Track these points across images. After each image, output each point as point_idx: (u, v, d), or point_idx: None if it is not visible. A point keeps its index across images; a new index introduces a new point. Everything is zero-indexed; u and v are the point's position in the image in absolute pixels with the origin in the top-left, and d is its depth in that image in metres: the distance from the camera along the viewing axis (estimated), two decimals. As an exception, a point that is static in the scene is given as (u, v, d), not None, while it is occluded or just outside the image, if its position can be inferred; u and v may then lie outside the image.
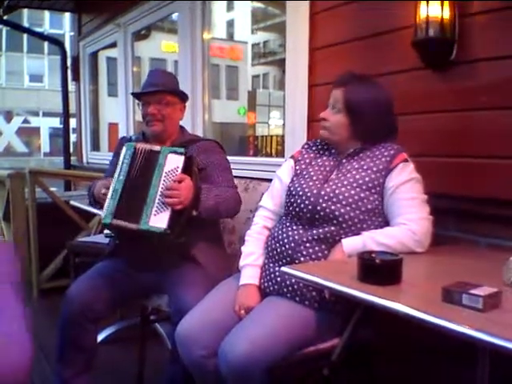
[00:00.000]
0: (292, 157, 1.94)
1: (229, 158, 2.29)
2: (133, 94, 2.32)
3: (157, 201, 1.89)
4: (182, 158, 1.94)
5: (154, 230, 1.86)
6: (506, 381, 1.47)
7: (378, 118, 1.75)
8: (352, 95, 1.75)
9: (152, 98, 2.17)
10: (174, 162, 1.94)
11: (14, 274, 1.71)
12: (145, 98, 2.19)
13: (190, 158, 1.98)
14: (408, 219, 1.62)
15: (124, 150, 1.99)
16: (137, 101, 2.27)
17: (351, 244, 1.60)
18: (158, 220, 1.87)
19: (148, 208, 1.89)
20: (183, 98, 2.27)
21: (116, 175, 1.95)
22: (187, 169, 1.94)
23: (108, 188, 1.96)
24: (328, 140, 1.83)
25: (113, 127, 5.30)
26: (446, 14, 1.85)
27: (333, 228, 1.66)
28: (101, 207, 2.05)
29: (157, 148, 1.98)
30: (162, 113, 2.17)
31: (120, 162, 1.97)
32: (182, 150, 1.97)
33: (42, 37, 7.44)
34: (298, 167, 1.87)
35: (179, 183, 1.88)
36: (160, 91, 2.16)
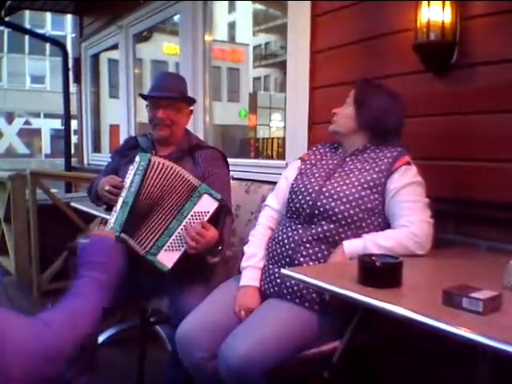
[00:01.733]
0: (300, 158, 1.97)
1: (230, 160, 2.29)
2: (142, 95, 2.24)
3: (174, 236, 1.83)
4: (215, 205, 1.86)
5: (158, 265, 1.82)
6: (506, 382, 1.47)
7: (383, 113, 1.79)
8: (362, 89, 1.83)
9: (163, 102, 2.13)
10: (206, 205, 1.86)
11: None
12: (155, 100, 2.16)
13: (223, 207, 1.90)
14: (409, 221, 1.62)
15: (137, 159, 1.90)
16: (145, 102, 2.23)
17: (352, 246, 1.61)
18: (167, 257, 1.82)
19: (163, 240, 1.83)
20: (191, 102, 2.26)
21: (127, 185, 1.87)
22: (216, 216, 1.87)
23: (113, 186, 1.92)
24: (336, 133, 1.85)
25: (114, 129, 5.31)
26: (447, 18, 1.85)
27: (332, 226, 1.67)
28: (103, 204, 2.03)
29: (194, 182, 1.89)
30: (171, 118, 2.14)
31: (132, 172, 1.88)
32: (219, 196, 1.87)
33: (44, 38, 7.47)
34: (303, 167, 1.90)
35: (205, 230, 1.81)
36: (172, 97, 2.13)
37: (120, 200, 1.86)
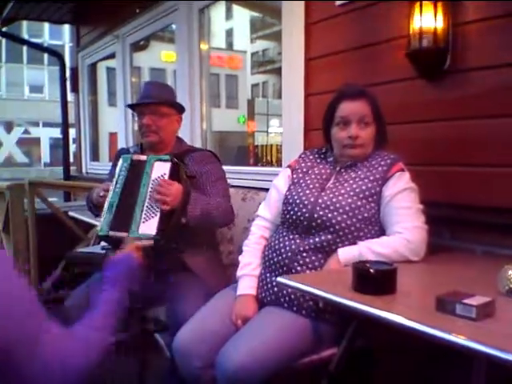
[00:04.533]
0: (289, 166, 1.95)
1: (225, 167, 2.30)
2: (129, 105, 2.37)
3: (145, 208, 1.92)
4: (168, 165, 1.97)
5: (144, 237, 1.87)
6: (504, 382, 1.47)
7: (384, 123, 1.81)
8: (376, 105, 1.78)
9: (147, 109, 2.19)
10: (160, 169, 1.97)
11: None
12: (140, 109, 2.23)
13: (177, 165, 2.00)
14: (403, 228, 1.63)
15: (120, 162, 2.02)
16: (132, 112, 2.30)
17: (347, 253, 1.61)
18: (147, 227, 1.90)
19: (137, 216, 1.92)
20: (180, 109, 2.29)
21: (112, 187, 1.98)
22: (174, 175, 1.97)
23: (106, 191, 2.00)
24: (360, 157, 1.78)
25: (113, 137, 5.32)
26: (439, 24, 1.86)
27: (329, 236, 1.67)
28: (100, 210, 2.06)
29: (143, 157, 2.01)
30: (157, 124, 2.19)
31: (116, 175, 2.00)
32: (168, 157, 1.99)
33: (41, 48, 7.49)
34: (295, 176, 1.88)
35: (168, 185, 1.91)
36: (154, 103, 2.19)
37: (106, 202, 1.97)
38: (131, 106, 2.33)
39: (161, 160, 1.98)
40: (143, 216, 1.91)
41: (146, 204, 1.92)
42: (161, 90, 2.28)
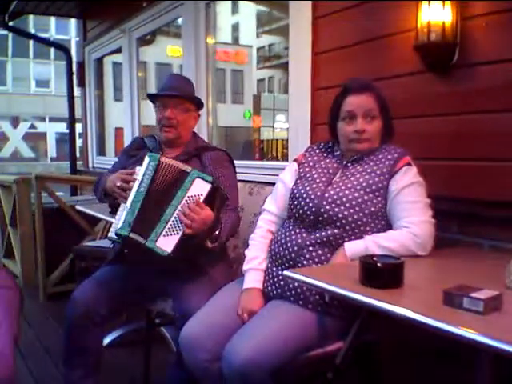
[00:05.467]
0: (295, 160, 1.95)
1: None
2: (152, 95, 2.25)
3: (170, 222, 1.86)
4: (207, 187, 1.88)
5: (158, 251, 1.85)
6: (509, 382, 1.47)
7: (391, 117, 1.80)
8: (382, 98, 1.77)
9: (171, 102, 2.15)
10: (198, 188, 1.88)
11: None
12: (163, 100, 2.17)
13: (216, 189, 1.92)
14: (410, 222, 1.62)
15: (147, 160, 1.93)
16: (148, 105, 2.24)
17: (353, 247, 1.61)
18: (166, 242, 1.85)
19: (160, 227, 1.86)
20: (199, 106, 2.27)
21: (136, 185, 1.90)
22: (210, 199, 1.89)
23: (124, 181, 1.94)
24: (367, 151, 1.77)
25: (119, 131, 5.33)
26: (448, 18, 1.85)
27: (336, 231, 1.67)
28: (112, 200, 2.04)
29: (186, 168, 1.92)
30: (178, 118, 2.16)
31: (141, 173, 1.91)
32: (211, 178, 1.90)
33: (47, 42, 7.48)
34: (301, 170, 1.88)
35: (200, 208, 1.85)
36: (180, 96, 2.15)
37: (129, 200, 1.89)
38: (153, 96, 2.24)
39: (203, 179, 1.90)
40: (166, 229, 1.86)
41: (173, 218, 1.86)
42: (185, 84, 2.24)
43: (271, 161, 9.08)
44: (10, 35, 26.69)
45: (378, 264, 1.27)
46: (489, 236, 1.81)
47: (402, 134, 1.87)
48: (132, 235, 1.86)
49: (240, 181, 2.29)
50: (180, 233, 1.86)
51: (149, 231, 1.87)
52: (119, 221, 1.89)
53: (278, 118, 20.65)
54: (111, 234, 1.94)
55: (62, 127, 27.68)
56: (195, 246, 1.91)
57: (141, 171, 1.92)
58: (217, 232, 1.94)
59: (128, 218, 1.87)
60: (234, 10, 25.29)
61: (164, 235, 1.86)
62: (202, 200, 1.87)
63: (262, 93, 24.40)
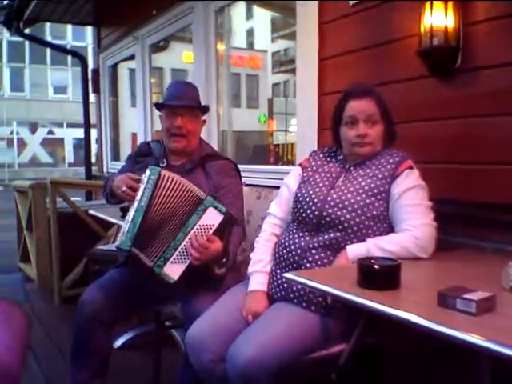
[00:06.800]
0: (300, 164, 1.98)
1: (240, 166, 2.32)
2: (160, 104, 2.22)
3: (179, 249, 1.88)
4: (220, 218, 1.90)
5: (164, 277, 1.88)
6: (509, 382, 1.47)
7: (392, 121, 1.82)
8: (383, 103, 1.79)
9: (180, 111, 2.13)
10: (211, 218, 1.89)
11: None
12: (173, 109, 2.15)
13: (229, 220, 1.93)
14: (412, 225, 1.64)
15: (148, 172, 1.93)
16: (159, 113, 2.22)
17: (355, 250, 1.63)
18: (173, 269, 1.87)
19: (169, 253, 1.88)
20: (205, 111, 2.28)
21: (138, 196, 1.91)
22: (221, 230, 1.91)
23: (129, 187, 1.94)
24: (369, 155, 1.80)
25: (135, 137, 5.40)
26: (450, 23, 1.87)
27: (338, 234, 1.69)
28: (117, 201, 2.07)
29: (201, 194, 1.93)
30: (188, 127, 2.14)
31: (143, 185, 1.92)
32: (224, 209, 1.91)
33: (63, 50, 7.63)
34: (305, 174, 1.91)
35: (210, 242, 1.87)
36: (190, 105, 2.14)
37: (131, 212, 1.90)
38: (161, 105, 2.21)
39: (216, 208, 1.91)
40: (175, 255, 1.88)
41: (182, 245, 1.89)
42: (192, 91, 2.22)
43: (286, 165, 9.10)
44: (27, 42, 27.10)
45: (375, 266, 1.30)
46: (492, 239, 1.82)
47: (407, 137, 1.89)
48: (133, 250, 1.88)
49: (247, 185, 2.32)
50: (188, 261, 1.88)
51: (156, 255, 1.89)
52: (123, 232, 1.90)
53: (292, 122, 20.68)
54: (117, 244, 1.95)
55: (80, 133, 27.76)
56: (202, 272, 1.93)
57: (143, 182, 1.93)
58: (224, 260, 1.95)
59: (130, 232, 1.87)
60: (249, 15, 25.37)
61: (172, 262, 1.88)
62: (212, 231, 1.89)
63: (275, 97, 24.44)
